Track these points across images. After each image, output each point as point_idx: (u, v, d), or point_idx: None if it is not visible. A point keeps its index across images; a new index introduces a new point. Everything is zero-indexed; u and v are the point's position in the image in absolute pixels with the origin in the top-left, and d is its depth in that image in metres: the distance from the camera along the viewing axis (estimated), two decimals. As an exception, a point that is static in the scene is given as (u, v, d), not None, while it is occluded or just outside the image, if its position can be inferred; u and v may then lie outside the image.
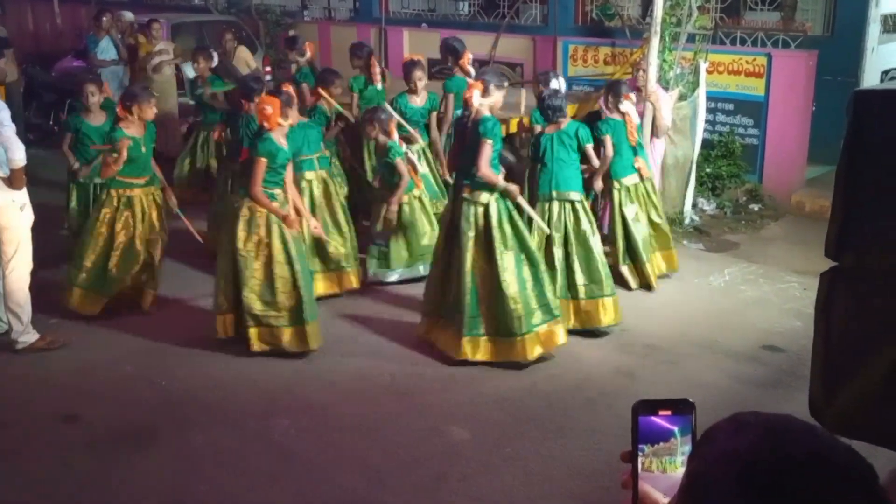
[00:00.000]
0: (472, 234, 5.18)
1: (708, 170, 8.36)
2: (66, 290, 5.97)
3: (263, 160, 5.22)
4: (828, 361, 3.44)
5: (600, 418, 4.69)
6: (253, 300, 5.28)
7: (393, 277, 6.49)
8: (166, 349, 5.54)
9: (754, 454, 0.94)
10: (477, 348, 5.22)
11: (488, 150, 5.05)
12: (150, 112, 5.97)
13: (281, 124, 5.33)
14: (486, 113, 5.19)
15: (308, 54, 8.21)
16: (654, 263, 6.49)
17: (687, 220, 7.89)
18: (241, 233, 5.28)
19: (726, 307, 6.25)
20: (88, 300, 5.98)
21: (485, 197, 5.18)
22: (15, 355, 5.45)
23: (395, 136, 6.29)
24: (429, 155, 7.02)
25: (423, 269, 6.29)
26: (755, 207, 8.31)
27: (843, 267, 3.40)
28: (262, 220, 5.29)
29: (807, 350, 3.74)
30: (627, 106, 6.24)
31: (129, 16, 11.29)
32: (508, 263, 5.13)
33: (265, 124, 5.32)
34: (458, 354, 5.22)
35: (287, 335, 5.33)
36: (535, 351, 5.20)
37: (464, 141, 5.33)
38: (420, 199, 6.50)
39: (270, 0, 14.14)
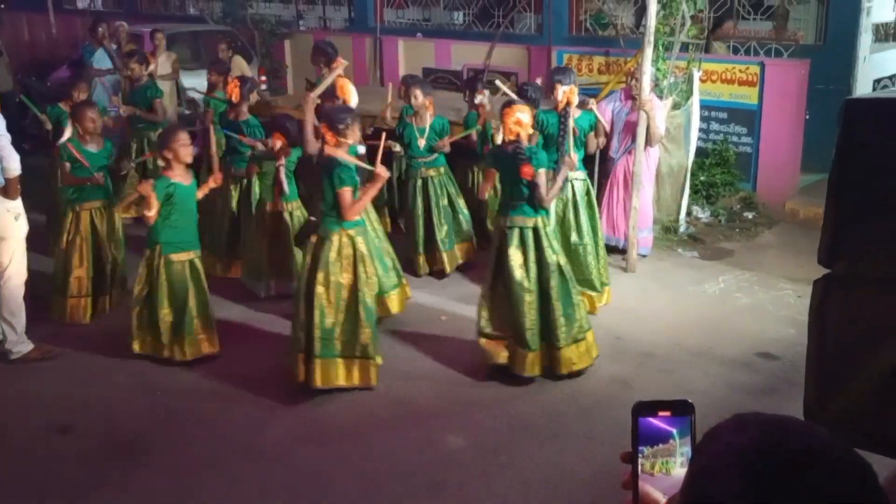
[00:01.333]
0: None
1: (702, 178, 8.39)
2: (294, 364, 4.96)
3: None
4: (822, 368, 3.45)
5: (596, 426, 4.70)
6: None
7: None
8: (161, 360, 5.50)
9: (756, 451, 0.95)
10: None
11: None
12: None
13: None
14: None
15: (152, 66, 8.43)
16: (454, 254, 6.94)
17: (681, 228, 7.91)
18: (519, 256, 5.01)
19: (721, 315, 6.26)
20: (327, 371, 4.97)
21: (582, 173, 6.33)
22: (9, 365, 5.44)
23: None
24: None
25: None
26: (749, 215, 8.34)
27: (837, 274, 3.42)
28: (531, 238, 5.06)
29: (801, 357, 3.76)
30: (481, 98, 6.91)
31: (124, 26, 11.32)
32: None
33: (522, 134, 4.96)
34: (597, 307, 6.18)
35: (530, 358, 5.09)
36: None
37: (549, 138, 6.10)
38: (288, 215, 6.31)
39: (266, 10, 14.18)
